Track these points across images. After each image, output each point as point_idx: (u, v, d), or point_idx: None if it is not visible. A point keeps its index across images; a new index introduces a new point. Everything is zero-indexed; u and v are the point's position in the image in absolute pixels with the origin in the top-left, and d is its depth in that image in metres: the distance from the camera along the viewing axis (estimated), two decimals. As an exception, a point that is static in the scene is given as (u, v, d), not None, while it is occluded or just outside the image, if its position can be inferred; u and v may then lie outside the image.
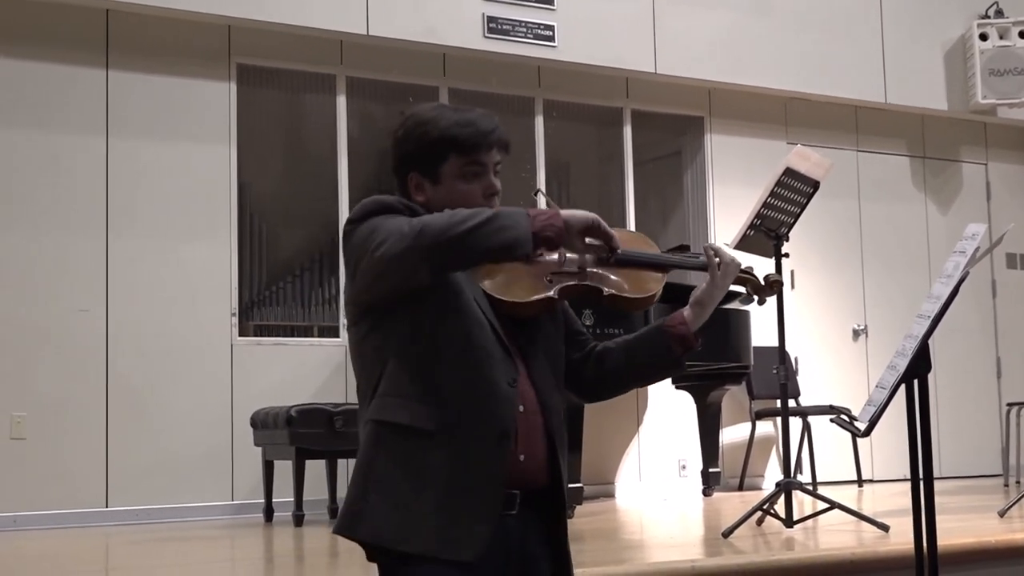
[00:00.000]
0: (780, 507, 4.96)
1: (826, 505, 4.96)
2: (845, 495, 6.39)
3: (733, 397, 8.04)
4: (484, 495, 2.11)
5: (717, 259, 2.34)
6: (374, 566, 2.18)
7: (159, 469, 6.60)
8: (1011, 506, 5.33)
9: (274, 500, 6.33)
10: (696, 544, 4.98)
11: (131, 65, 6.78)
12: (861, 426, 2.80)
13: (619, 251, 2.24)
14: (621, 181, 8.31)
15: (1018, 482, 7.78)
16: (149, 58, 6.82)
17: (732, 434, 8.23)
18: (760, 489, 7.90)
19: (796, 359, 8.37)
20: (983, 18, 9.00)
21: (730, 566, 3.92)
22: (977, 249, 2.83)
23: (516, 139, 8.03)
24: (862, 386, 8.35)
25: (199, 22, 6.88)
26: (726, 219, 8.06)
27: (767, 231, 5.01)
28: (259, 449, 6.37)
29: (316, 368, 6.94)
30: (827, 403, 7.88)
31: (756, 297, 2.50)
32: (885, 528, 4.62)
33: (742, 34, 8.27)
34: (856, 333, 8.89)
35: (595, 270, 2.28)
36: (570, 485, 5.88)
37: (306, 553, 5.18)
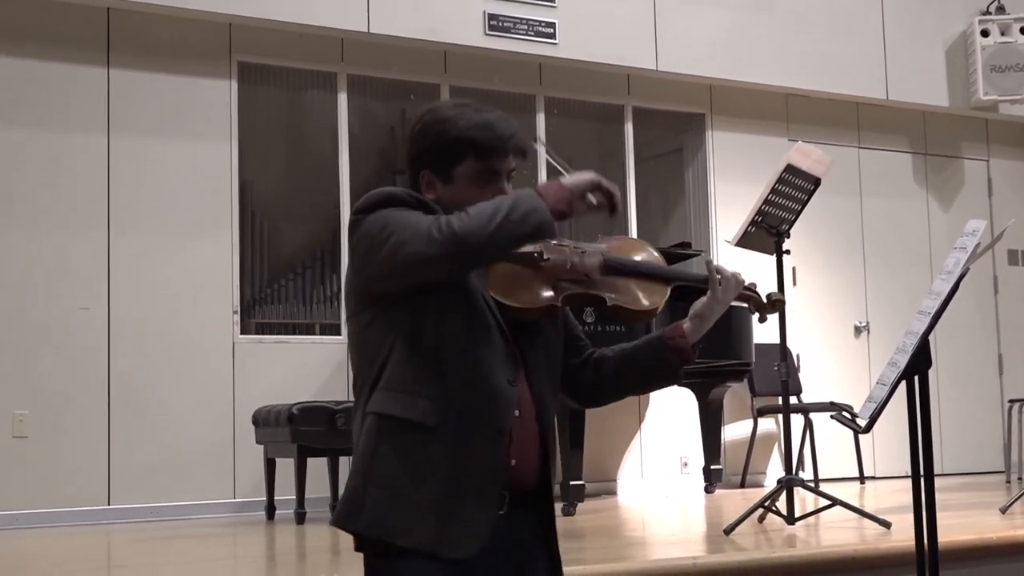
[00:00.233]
0: (782, 504, 4.96)
1: (828, 502, 4.97)
2: (847, 492, 6.40)
3: (735, 394, 8.05)
4: (482, 493, 2.11)
5: (719, 276, 2.35)
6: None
7: (161, 467, 6.60)
8: (1013, 502, 5.33)
9: (276, 498, 6.33)
10: (698, 541, 4.98)
11: (132, 63, 6.79)
12: (862, 422, 2.80)
13: (617, 256, 2.26)
14: (622, 178, 8.31)
15: (1020, 478, 7.77)
16: (150, 56, 6.83)
17: (734, 431, 8.23)
18: (762, 486, 7.90)
19: (798, 356, 8.37)
20: (984, 14, 9.00)
21: (732, 563, 3.92)
22: (978, 245, 2.84)
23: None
24: (864, 383, 8.34)
25: (200, 20, 6.88)
26: (727, 216, 8.06)
27: (768, 228, 5.01)
28: (261, 447, 6.38)
29: (318, 366, 6.95)
30: (828, 400, 7.88)
31: (757, 314, 2.51)
32: (887, 525, 4.62)
33: (743, 31, 8.27)
34: (858, 330, 8.89)
35: (601, 278, 2.28)
36: (572, 482, 5.95)
37: (308, 551, 5.19)
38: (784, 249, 5.04)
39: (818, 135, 8.34)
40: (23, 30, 6.58)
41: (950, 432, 8.75)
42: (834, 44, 8.59)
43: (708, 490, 7.46)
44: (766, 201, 5.00)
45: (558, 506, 5.87)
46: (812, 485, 5.68)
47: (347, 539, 2.19)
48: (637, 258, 2.37)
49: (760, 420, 8.12)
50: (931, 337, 2.80)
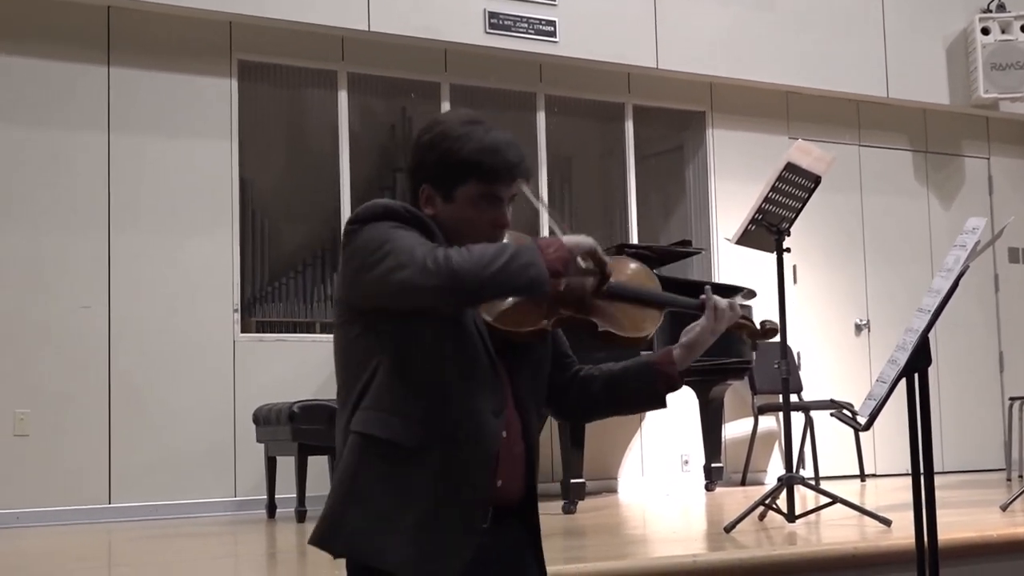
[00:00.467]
0: (782, 502, 4.96)
1: (828, 500, 4.96)
2: (847, 490, 6.40)
3: (735, 392, 8.05)
4: (464, 518, 2.09)
5: (714, 305, 2.31)
6: None
7: (162, 465, 6.60)
8: (1013, 500, 5.33)
9: (277, 496, 6.33)
10: (698, 539, 4.98)
11: (133, 62, 6.78)
12: (862, 420, 2.80)
13: (611, 281, 2.20)
14: (623, 176, 8.31)
15: (1020, 476, 7.77)
16: (150, 55, 6.83)
17: (734, 429, 8.23)
18: (762, 484, 7.90)
19: (798, 354, 8.37)
20: (985, 12, 8.99)
21: (732, 561, 3.92)
22: (978, 243, 2.83)
23: (518, 135, 8.01)
24: (864, 381, 8.34)
25: (200, 18, 6.88)
26: (728, 214, 8.05)
27: (769, 226, 5.01)
28: (261, 445, 6.38)
29: (318, 364, 6.95)
30: (829, 398, 7.87)
31: (750, 341, 2.48)
32: (887, 522, 4.62)
33: (743, 29, 8.27)
34: (858, 328, 8.88)
35: (594, 303, 2.24)
36: (573, 480, 5.95)
37: (308, 549, 5.14)
38: (784, 247, 5.04)
39: (818, 133, 8.33)
40: (23, 28, 6.58)
41: (951, 430, 8.75)
42: (834, 42, 8.59)
43: (709, 488, 7.46)
44: (766, 199, 5.00)
45: (559, 504, 5.89)
46: (813, 483, 5.68)
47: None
48: (633, 283, 2.33)
49: (761, 418, 8.12)
50: (931, 335, 2.80)
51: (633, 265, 2.42)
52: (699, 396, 7.56)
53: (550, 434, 6.98)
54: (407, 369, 2.10)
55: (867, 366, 8.71)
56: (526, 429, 2.22)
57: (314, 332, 7.25)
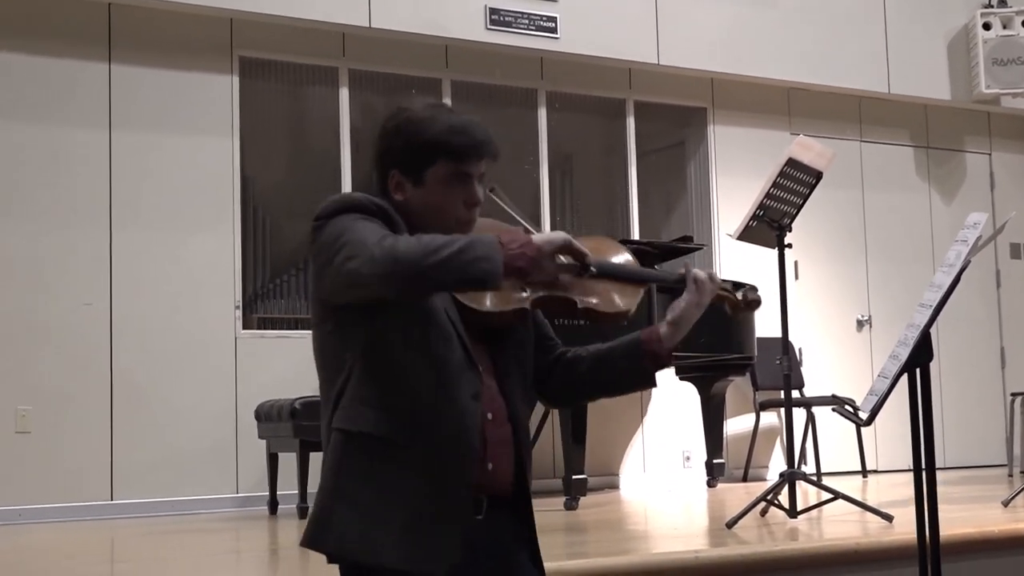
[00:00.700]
0: (784, 497, 4.96)
1: (830, 495, 4.97)
2: (849, 485, 6.40)
3: (737, 388, 8.05)
4: (450, 508, 2.08)
5: (695, 278, 2.30)
6: None
7: (164, 462, 6.61)
8: (1015, 496, 5.34)
9: (278, 492, 6.33)
10: (700, 535, 4.98)
11: (134, 59, 6.78)
12: (864, 416, 2.80)
13: (592, 267, 2.18)
14: (624, 172, 8.31)
15: (1022, 472, 7.77)
16: (152, 52, 6.82)
17: (736, 425, 8.23)
18: (764, 480, 7.90)
19: (800, 350, 8.37)
20: (986, 7, 8.98)
21: (734, 556, 3.93)
22: (979, 238, 2.83)
23: (519, 131, 8.04)
24: (866, 376, 8.33)
25: (201, 15, 6.87)
26: (729, 210, 8.05)
27: (770, 222, 5.01)
28: (263, 442, 6.38)
29: (320, 361, 6.94)
30: (830, 393, 7.87)
31: (731, 312, 2.44)
32: (889, 518, 4.62)
33: (745, 24, 8.26)
34: (860, 323, 8.88)
35: (571, 280, 2.21)
36: (574, 476, 5.95)
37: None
38: (786, 243, 5.04)
39: (820, 129, 8.33)
40: (24, 26, 6.57)
41: (952, 425, 8.74)
42: (836, 38, 8.58)
43: (710, 484, 7.46)
44: (768, 195, 5.00)
45: (561, 500, 5.90)
46: (814, 479, 5.68)
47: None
48: (611, 259, 2.31)
49: (762, 414, 8.12)
50: (933, 330, 2.80)
51: (609, 243, 2.40)
52: (701, 392, 7.57)
53: (552, 430, 6.99)
54: (380, 362, 2.10)
55: (869, 362, 8.71)
56: (512, 412, 2.20)
57: (315, 329, 7.26)
